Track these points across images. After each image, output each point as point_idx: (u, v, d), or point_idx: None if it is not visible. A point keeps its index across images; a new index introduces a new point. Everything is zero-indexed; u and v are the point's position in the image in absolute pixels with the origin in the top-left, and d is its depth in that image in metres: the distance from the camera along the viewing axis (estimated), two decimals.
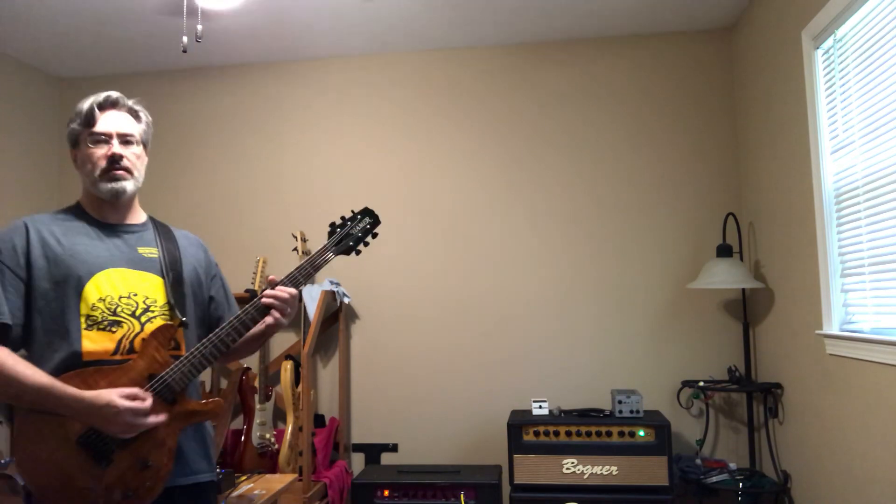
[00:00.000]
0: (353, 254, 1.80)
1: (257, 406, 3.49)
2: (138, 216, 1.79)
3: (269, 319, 1.70)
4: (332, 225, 1.80)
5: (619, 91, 3.79)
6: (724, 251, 3.40)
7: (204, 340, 1.62)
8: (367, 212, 1.82)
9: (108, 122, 1.69)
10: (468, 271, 3.83)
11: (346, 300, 3.76)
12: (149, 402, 1.51)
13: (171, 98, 4.14)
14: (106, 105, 1.69)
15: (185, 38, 2.87)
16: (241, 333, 1.66)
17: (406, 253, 3.88)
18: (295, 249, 3.69)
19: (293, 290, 1.69)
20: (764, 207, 3.34)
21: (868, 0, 2.31)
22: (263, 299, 1.66)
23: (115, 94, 1.72)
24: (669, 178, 3.72)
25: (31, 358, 1.58)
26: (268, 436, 3.46)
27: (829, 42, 2.62)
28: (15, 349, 1.56)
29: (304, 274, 1.71)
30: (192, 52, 3.84)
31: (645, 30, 3.75)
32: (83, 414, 1.48)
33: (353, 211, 1.84)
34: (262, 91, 4.08)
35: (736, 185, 3.68)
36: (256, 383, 3.55)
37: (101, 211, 1.72)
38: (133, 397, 1.50)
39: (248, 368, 3.58)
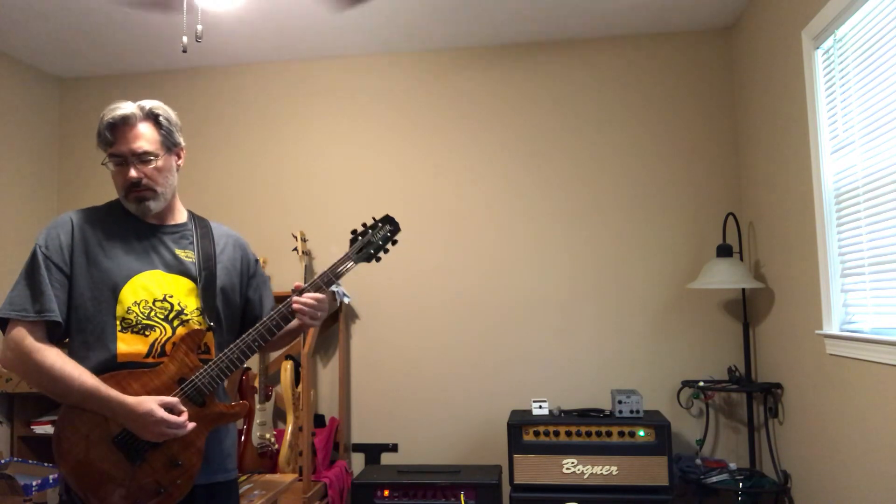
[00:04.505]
0: (374, 261, 1.83)
1: (257, 406, 3.49)
2: (179, 215, 1.81)
3: (296, 323, 1.77)
4: (354, 232, 1.82)
5: (619, 91, 3.79)
6: (724, 251, 3.40)
7: (231, 346, 1.68)
8: (387, 219, 1.84)
9: (122, 142, 1.65)
10: (468, 271, 3.83)
11: (346, 300, 3.76)
12: (184, 416, 1.58)
13: (171, 98, 4.03)
14: (118, 124, 1.65)
15: (185, 38, 2.87)
16: (267, 339, 1.71)
17: (406, 252, 3.86)
18: (295, 249, 3.69)
19: (320, 296, 1.74)
20: (764, 207, 3.34)
21: (868, 0, 2.31)
22: (293, 304, 1.72)
23: (125, 109, 1.66)
24: (669, 178, 3.72)
25: (69, 354, 1.63)
26: (268, 436, 3.46)
27: (829, 42, 2.62)
28: (59, 342, 1.63)
29: (326, 281, 1.76)
30: (192, 52, 3.84)
31: (645, 30, 3.75)
32: (123, 417, 1.54)
33: (374, 218, 1.85)
34: (262, 91, 4.08)
35: (736, 185, 3.68)
36: (256, 383, 3.55)
37: None
38: (171, 408, 1.57)
39: (248, 368, 3.58)
